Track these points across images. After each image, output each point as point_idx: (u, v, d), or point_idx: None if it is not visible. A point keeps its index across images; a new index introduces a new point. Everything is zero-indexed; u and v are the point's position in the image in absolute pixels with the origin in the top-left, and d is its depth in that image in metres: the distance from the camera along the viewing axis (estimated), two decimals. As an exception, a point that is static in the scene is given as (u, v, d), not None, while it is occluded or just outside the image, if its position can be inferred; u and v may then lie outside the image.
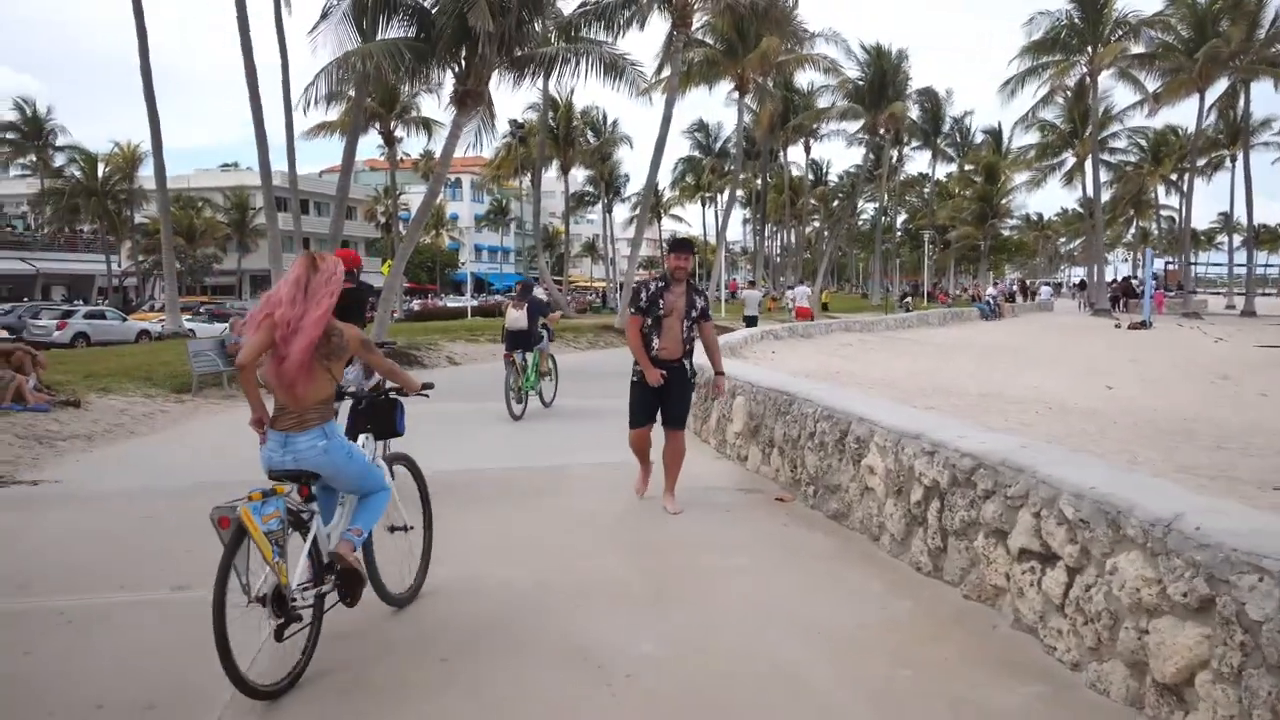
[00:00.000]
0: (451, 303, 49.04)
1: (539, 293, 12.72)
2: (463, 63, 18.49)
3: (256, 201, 48.36)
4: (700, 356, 6.45)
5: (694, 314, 6.10)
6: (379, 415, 4.50)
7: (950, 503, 4.57)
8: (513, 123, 46.15)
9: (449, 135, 19.33)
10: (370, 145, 50.17)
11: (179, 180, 58.63)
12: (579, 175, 64.04)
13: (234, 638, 3.28)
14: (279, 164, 26.19)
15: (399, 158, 50.89)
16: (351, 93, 21.43)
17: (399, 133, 44.52)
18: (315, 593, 3.70)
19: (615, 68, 20.83)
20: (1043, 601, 3.85)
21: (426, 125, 42.66)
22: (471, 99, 18.65)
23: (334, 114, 32.85)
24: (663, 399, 6.10)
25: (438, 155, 20.13)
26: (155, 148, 23.48)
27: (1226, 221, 79.59)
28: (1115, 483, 3.58)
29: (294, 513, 3.65)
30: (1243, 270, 66.68)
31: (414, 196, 51.59)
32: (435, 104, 51.18)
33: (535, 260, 39.76)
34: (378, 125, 42.17)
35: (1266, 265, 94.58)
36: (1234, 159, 58.58)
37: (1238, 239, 73.31)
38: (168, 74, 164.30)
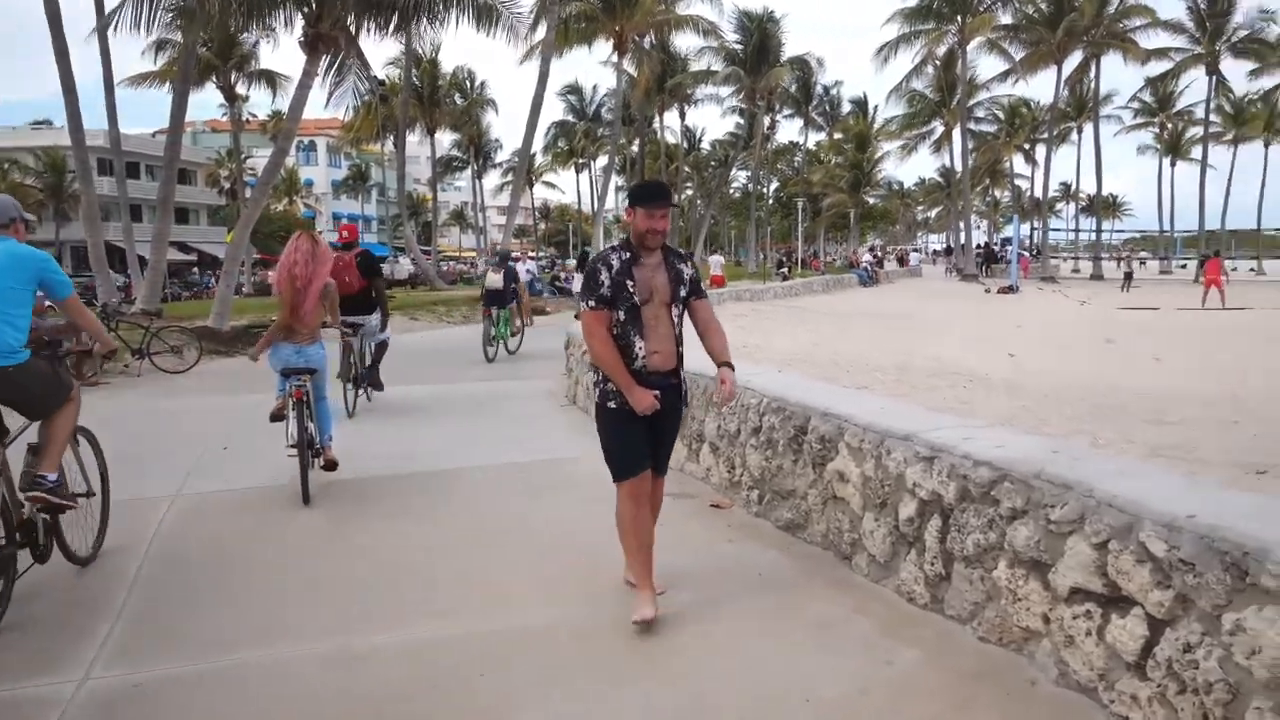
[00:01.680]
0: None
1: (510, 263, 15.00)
2: (313, 2, 16.60)
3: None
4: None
5: (683, 293, 3.97)
6: None
7: (959, 522, 3.67)
8: (372, 79, 43.24)
9: (299, 85, 17.36)
10: (212, 104, 46.22)
11: (-20, 141, 52.82)
12: (445, 139, 61.52)
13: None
14: (102, 122, 23.39)
15: (244, 118, 47.26)
16: (179, 38, 19.14)
17: (241, 89, 41.03)
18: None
19: (489, 11, 19.25)
20: (1106, 656, 2.99)
21: (270, 80, 39.35)
22: (325, 43, 16.78)
23: (161, 62, 29.79)
24: (654, 430, 3.95)
25: (301, 117, 18.07)
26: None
27: (1067, 191, 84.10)
28: (1223, 508, 2.72)
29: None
30: (1084, 236, 70.61)
31: (262, 160, 47.91)
32: (285, 58, 47.70)
33: (400, 229, 37.54)
34: (215, 79, 38.65)
35: (1104, 232, 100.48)
36: (1079, 131, 61.70)
37: (1075, 208, 77.93)
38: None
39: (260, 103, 63.06)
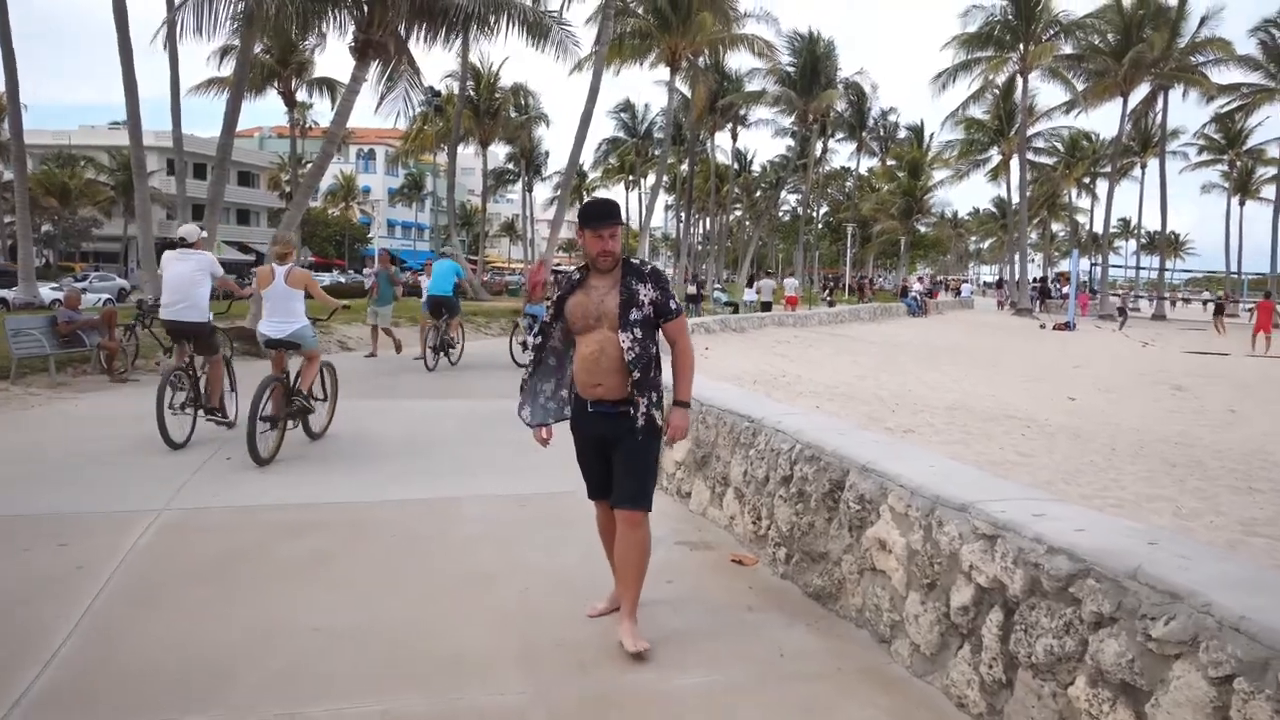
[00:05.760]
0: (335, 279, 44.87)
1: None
2: (365, 8, 16.37)
3: (151, 163, 43.95)
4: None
5: (636, 316, 3.61)
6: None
7: (1027, 620, 2.98)
8: (429, 90, 43.37)
9: (347, 90, 17.16)
10: (280, 111, 46.45)
11: (59, 137, 54.20)
12: (499, 152, 61.71)
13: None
14: (169, 124, 23.55)
15: (307, 125, 47.74)
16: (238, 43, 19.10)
17: (301, 95, 41.42)
18: None
19: (540, 27, 18.89)
20: (1225, 825, 2.28)
21: (331, 87, 39.67)
22: (374, 50, 16.54)
23: (227, 69, 30.19)
24: (609, 460, 3.76)
25: (348, 122, 17.87)
26: (10, 89, 20.59)
27: (1127, 227, 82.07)
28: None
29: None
30: (1143, 274, 68.58)
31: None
32: (343, 66, 48.04)
33: (449, 239, 37.47)
34: (277, 84, 39.05)
35: (1166, 270, 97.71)
36: (1143, 166, 60.03)
37: (1135, 245, 75.87)
38: (57, 23, 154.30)
39: (326, 112, 63.94)
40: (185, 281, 7.62)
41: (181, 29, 16.17)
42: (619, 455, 3.69)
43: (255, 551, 4.90)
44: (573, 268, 3.90)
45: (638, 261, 3.76)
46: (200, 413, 7.80)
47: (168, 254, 7.81)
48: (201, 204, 23.35)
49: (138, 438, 7.90)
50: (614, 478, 3.72)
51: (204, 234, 9.08)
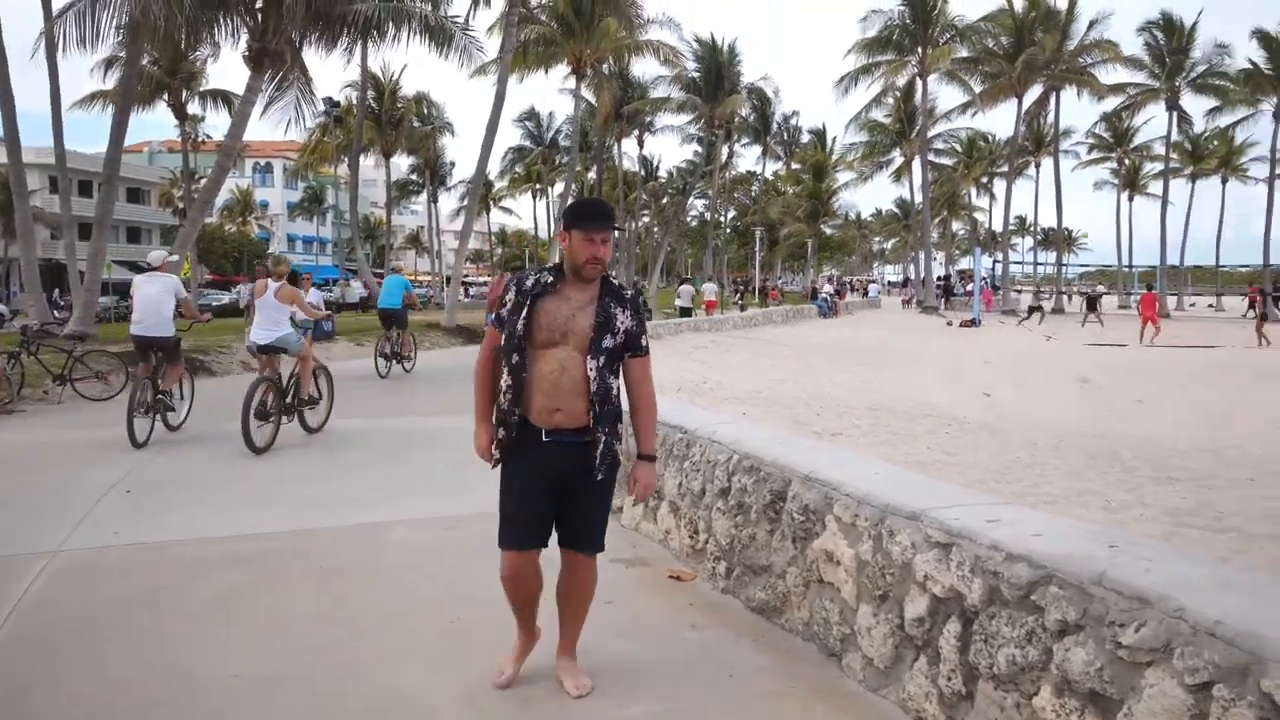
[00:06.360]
0: (216, 301, 42.59)
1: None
2: (259, 15, 15.75)
3: (32, 182, 41.49)
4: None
5: (610, 344, 3.17)
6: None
7: (986, 630, 2.89)
8: (328, 100, 42.28)
9: (242, 100, 16.51)
10: (170, 125, 44.37)
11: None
12: (402, 163, 60.59)
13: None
14: (50, 139, 22.26)
15: (200, 139, 45.91)
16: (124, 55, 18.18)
17: (193, 107, 39.74)
18: None
19: (443, 33, 18.50)
20: (1207, 838, 2.21)
21: (226, 99, 38.18)
22: (270, 59, 15.94)
23: (112, 81, 28.85)
24: (562, 497, 3.25)
25: (244, 134, 17.13)
26: None
27: (1023, 224, 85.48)
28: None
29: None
30: (1040, 269, 71.36)
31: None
32: (238, 78, 46.67)
33: (353, 252, 36.41)
34: (166, 97, 37.40)
35: (1063, 266, 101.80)
36: (1038, 165, 62.54)
37: (1032, 241, 79.08)
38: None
39: (219, 125, 61.68)
40: (153, 301, 8.85)
41: (62, 40, 15.28)
42: (578, 494, 3.24)
43: (163, 593, 4.53)
44: (530, 271, 3.38)
45: (618, 283, 3.33)
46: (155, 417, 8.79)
47: (138, 277, 9.20)
48: (88, 222, 22.14)
49: (27, 473, 7.35)
50: (565, 516, 3.28)
51: (173, 258, 10.11)
